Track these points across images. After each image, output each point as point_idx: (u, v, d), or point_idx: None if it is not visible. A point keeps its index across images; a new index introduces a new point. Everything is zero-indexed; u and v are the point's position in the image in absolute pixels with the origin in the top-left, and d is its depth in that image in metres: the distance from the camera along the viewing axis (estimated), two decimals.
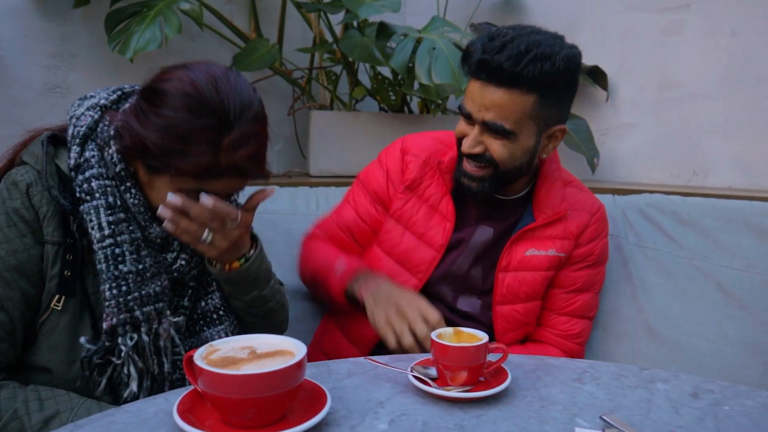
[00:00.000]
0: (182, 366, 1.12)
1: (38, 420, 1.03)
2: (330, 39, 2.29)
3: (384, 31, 2.01)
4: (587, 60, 2.33)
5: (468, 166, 1.37)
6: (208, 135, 1.01)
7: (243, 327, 1.29)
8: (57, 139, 1.13)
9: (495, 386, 0.96)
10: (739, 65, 2.10)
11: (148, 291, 1.10)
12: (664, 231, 1.69)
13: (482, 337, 0.99)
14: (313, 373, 0.99)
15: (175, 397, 0.86)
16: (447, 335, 1.00)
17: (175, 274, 1.16)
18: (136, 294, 1.08)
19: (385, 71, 2.31)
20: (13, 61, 1.90)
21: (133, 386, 1.10)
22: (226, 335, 1.21)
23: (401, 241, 1.47)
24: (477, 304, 1.47)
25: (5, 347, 1.06)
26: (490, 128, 1.30)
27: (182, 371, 1.15)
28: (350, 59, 2.25)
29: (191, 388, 0.86)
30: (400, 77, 2.24)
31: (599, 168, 2.25)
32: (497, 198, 1.45)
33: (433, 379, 0.98)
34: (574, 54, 1.29)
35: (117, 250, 1.07)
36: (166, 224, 1.08)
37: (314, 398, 0.87)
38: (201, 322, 1.22)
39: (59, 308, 1.07)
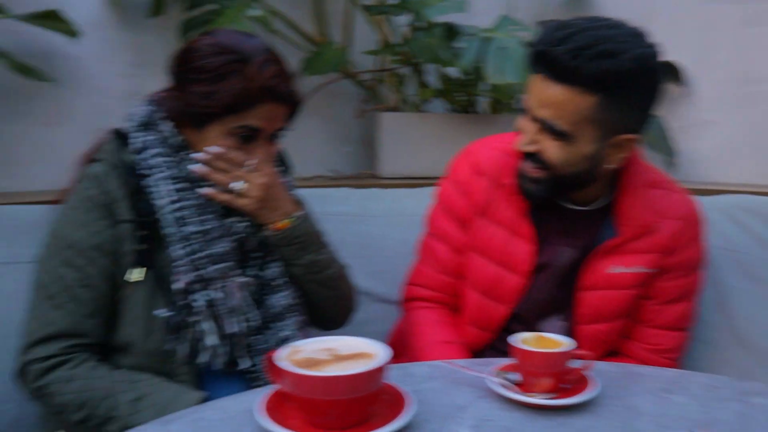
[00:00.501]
0: (255, 332, 1.24)
1: (128, 399, 1.10)
2: (397, 41, 2.28)
3: (451, 31, 1.99)
4: (661, 55, 2.26)
5: (525, 165, 1.27)
6: (233, 67, 1.14)
7: (309, 298, 1.33)
8: (121, 134, 1.24)
9: (580, 394, 0.92)
10: None
11: (215, 251, 1.18)
12: (753, 233, 1.60)
13: (567, 342, 0.96)
14: (391, 375, 0.98)
15: (259, 397, 0.87)
16: (530, 340, 0.97)
17: (241, 235, 1.23)
18: (203, 253, 1.17)
19: (453, 72, 2.29)
20: (94, 71, 1.97)
21: (211, 340, 1.18)
22: (287, 303, 1.27)
23: (485, 272, 1.36)
24: (560, 326, 1.38)
25: (95, 323, 1.16)
26: (545, 127, 1.20)
27: (255, 337, 1.24)
28: (417, 61, 2.24)
29: (275, 387, 0.87)
30: (468, 77, 2.22)
31: (677, 167, 2.16)
32: (576, 210, 1.34)
33: (515, 385, 0.96)
34: (648, 53, 1.16)
35: (182, 214, 1.17)
36: (196, 168, 1.18)
37: (396, 401, 0.86)
38: (265, 290, 1.28)
39: (137, 281, 1.16)
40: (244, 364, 1.22)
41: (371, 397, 0.82)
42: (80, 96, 1.94)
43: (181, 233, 1.16)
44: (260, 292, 1.27)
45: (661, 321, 1.37)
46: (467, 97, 2.30)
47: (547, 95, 1.16)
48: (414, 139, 2.21)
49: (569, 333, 1.36)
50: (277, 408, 0.84)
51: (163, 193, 1.17)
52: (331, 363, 0.83)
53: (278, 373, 0.82)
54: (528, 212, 1.33)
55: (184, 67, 1.18)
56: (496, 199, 1.36)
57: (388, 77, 2.36)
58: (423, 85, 2.31)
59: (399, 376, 1.01)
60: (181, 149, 1.21)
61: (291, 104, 1.21)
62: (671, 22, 2.32)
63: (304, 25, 2.27)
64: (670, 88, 2.32)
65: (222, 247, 1.19)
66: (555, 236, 1.35)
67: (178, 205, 1.17)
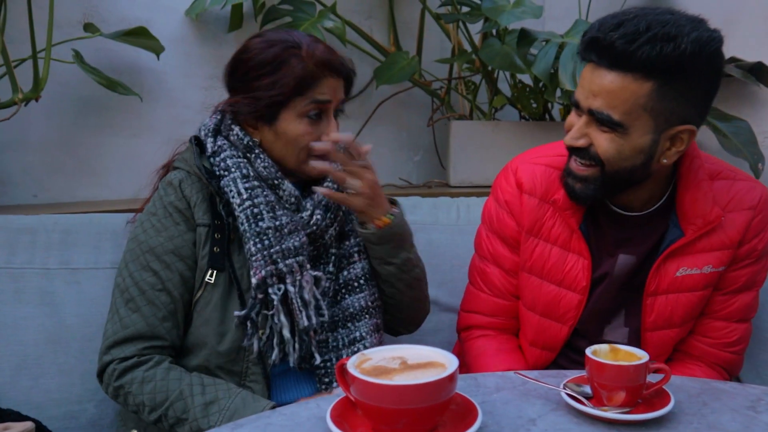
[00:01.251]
0: (327, 329, 1.27)
1: (200, 402, 1.14)
2: (469, 49, 2.28)
3: (525, 38, 1.97)
4: (749, 56, 2.16)
5: (573, 163, 1.20)
6: (289, 52, 1.21)
7: (393, 300, 1.36)
8: (199, 142, 1.30)
9: (657, 409, 0.89)
10: None
11: (288, 245, 1.21)
12: None
13: (642, 355, 0.93)
14: (460, 386, 0.97)
15: (327, 403, 0.88)
16: (603, 352, 0.94)
17: (315, 228, 1.26)
18: (277, 248, 1.20)
19: (526, 79, 2.26)
20: (175, 84, 2.05)
21: (285, 334, 1.20)
22: (366, 303, 1.31)
23: (541, 293, 1.32)
24: (625, 332, 1.33)
25: (170, 326, 1.21)
26: (596, 118, 1.13)
27: (327, 335, 1.28)
28: (490, 68, 2.22)
29: (343, 395, 0.88)
30: (541, 84, 2.19)
31: (765, 174, 2.05)
32: (631, 216, 1.28)
33: (587, 398, 0.93)
34: (709, 38, 1.08)
35: (255, 210, 1.21)
36: (318, 164, 1.22)
37: (465, 412, 0.86)
38: (343, 290, 1.31)
39: (212, 282, 1.21)
40: (315, 361, 1.24)
41: (440, 406, 0.82)
42: (161, 108, 2.03)
43: (255, 229, 1.20)
44: (338, 291, 1.31)
45: (727, 312, 1.31)
46: (540, 105, 2.27)
47: (600, 84, 1.11)
48: (484, 148, 2.20)
49: (635, 340, 1.32)
50: (345, 416, 0.85)
51: (235, 192, 1.21)
52: (400, 372, 0.83)
53: (348, 380, 0.83)
54: (579, 226, 1.28)
55: (242, 69, 1.25)
56: (546, 217, 1.32)
57: (460, 85, 2.36)
58: (495, 92, 2.29)
59: (468, 387, 1.00)
60: (250, 150, 1.25)
61: (347, 75, 1.28)
62: (759, 22, 2.21)
63: (377, 35, 2.30)
64: (759, 91, 2.22)
65: (296, 241, 1.22)
66: (611, 246, 1.30)
67: (250, 202, 1.20)
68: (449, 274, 1.68)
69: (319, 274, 1.26)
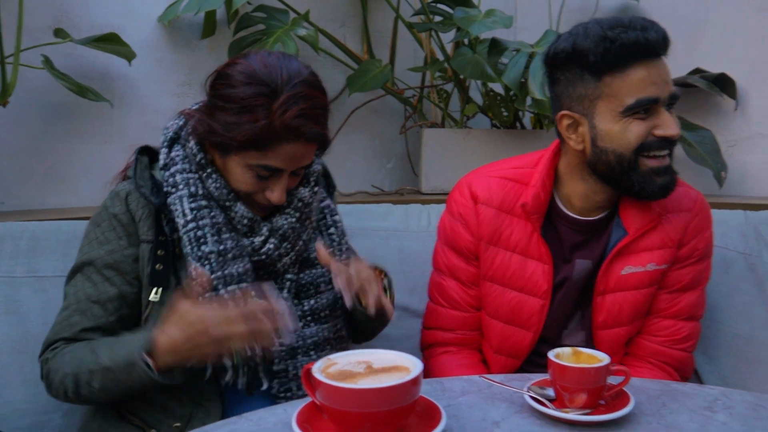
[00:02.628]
0: (285, 356, 1.20)
1: (105, 350, 1.09)
2: (441, 57, 2.30)
3: (496, 47, 2.00)
4: (713, 67, 2.21)
5: (660, 161, 1.24)
6: (259, 101, 1.10)
7: (360, 328, 1.34)
8: (152, 152, 1.25)
9: (617, 410, 0.91)
10: None
11: (231, 271, 1.16)
12: None
13: (603, 358, 0.95)
14: (426, 390, 0.98)
15: (293, 409, 0.89)
16: (565, 355, 0.97)
17: (264, 257, 1.21)
18: (219, 273, 1.15)
19: (497, 88, 2.29)
20: (147, 90, 2.04)
21: (227, 362, 1.13)
22: (329, 335, 1.26)
23: (503, 300, 1.36)
24: (582, 335, 1.38)
25: (97, 337, 1.15)
26: (673, 102, 1.24)
27: (280, 362, 1.21)
28: (462, 77, 2.25)
29: (309, 400, 0.88)
30: (512, 93, 2.22)
31: (728, 182, 2.10)
32: (585, 221, 1.34)
33: (550, 401, 0.95)
34: None
35: (199, 233, 1.16)
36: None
37: (429, 415, 0.87)
38: (308, 318, 1.26)
39: (157, 300, 1.15)
40: (263, 386, 1.18)
41: (405, 410, 0.83)
42: (133, 115, 2.02)
43: (197, 253, 1.15)
44: (302, 318, 1.25)
45: (674, 310, 1.36)
46: (512, 113, 2.30)
47: (665, 71, 1.22)
48: (456, 155, 2.22)
49: (589, 340, 1.37)
50: (311, 420, 0.86)
51: (180, 212, 1.16)
52: (365, 376, 0.84)
53: (313, 384, 0.84)
54: (539, 232, 1.33)
55: (214, 92, 1.16)
56: (504, 225, 1.36)
57: (432, 93, 2.38)
58: (467, 100, 2.32)
59: (434, 391, 1.01)
60: (203, 168, 1.19)
61: (317, 143, 1.17)
62: (723, 34, 2.27)
63: (351, 43, 2.32)
64: (723, 101, 2.27)
65: (239, 267, 1.17)
66: (568, 251, 1.35)
67: (194, 224, 1.16)
68: (420, 280, 1.68)
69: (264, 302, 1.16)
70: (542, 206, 1.33)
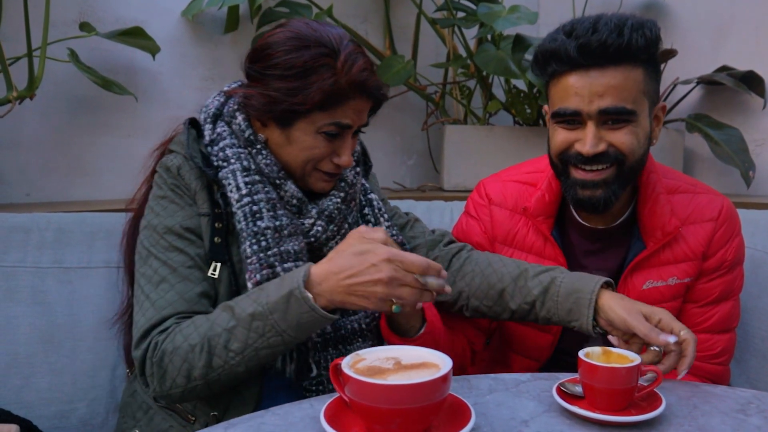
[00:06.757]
0: (325, 338, 1.16)
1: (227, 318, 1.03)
2: (464, 53, 2.29)
3: (520, 43, 1.98)
4: (740, 65, 2.18)
5: (585, 174, 1.20)
6: (322, 61, 1.10)
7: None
8: (196, 124, 1.23)
9: (648, 412, 0.90)
10: None
11: (287, 248, 1.13)
12: None
13: (633, 358, 0.93)
14: (453, 387, 0.97)
15: (320, 404, 0.88)
16: (595, 355, 0.95)
17: (312, 240, 1.18)
18: (275, 250, 1.12)
19: (520, 84, 2.27)
20: (170, 85, 2.05)
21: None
22: (359, 326, 1.22)
23: None
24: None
25: (207, 304, 1.11)
26: (609, 116, 1.15)
27: (326, 345, 1.17)
28: (485, 73, 2.23)
29: (337, 395, 0.88)
30: (536, 90, 2.20)
31: (755, 181, 2.07)
32: (597, 229, 1.31)
33: (580, 400, 0.94)
34: (654, 21, 1.19)
35: (254, 208, 1.13)
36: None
37: (458, 413, 0.86)
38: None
39: (216, 276, 1.13)
40: (312, 372, 1.15)
41: (433, 407, 0.82)
42: (156, 109, 2.03)
43: (253, 229, 1.12)
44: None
45: (708, 324, 1.31)
46: (534, 110, 2.28)
47: (602, 83, 1.15)
48: (478, 152, 2.21)
49: None
50: (339, 416, 0.85)
51: (233, 186, 1.13)
52: (394, 372, 0.84)
53: (342, 380, 0.83)
54: (551, 233, 1.32)
55: (264, 63, 1.13)
56: (519, 226, 1.37)
57: (455, 90, 2.37)
58: (489, 97, 2.30)
59: (461, 388, 1.01)
60: (252, 145, 1.17)
61: (378, 99, 1.17)
62: (750, 32, 2.23)
63: (373, 39, 2.31)
64: (750, 99, 2.24)
65: (295, 245, 1.14)
66: (583, 258, 1.33)
67: (249, 199, 1.13)
68: None
69: None
70: (548, 208, 1.32)
